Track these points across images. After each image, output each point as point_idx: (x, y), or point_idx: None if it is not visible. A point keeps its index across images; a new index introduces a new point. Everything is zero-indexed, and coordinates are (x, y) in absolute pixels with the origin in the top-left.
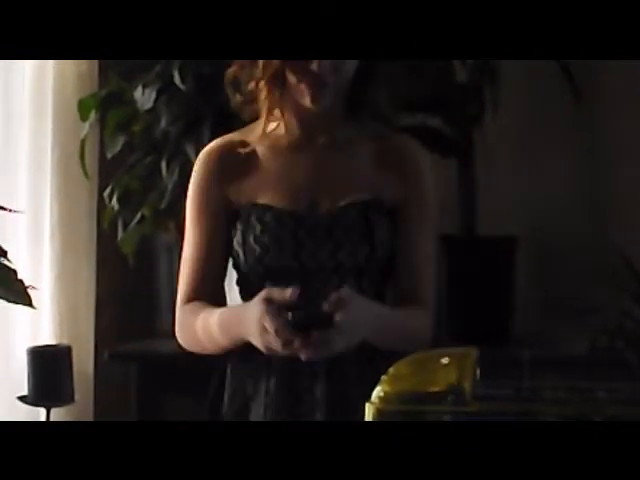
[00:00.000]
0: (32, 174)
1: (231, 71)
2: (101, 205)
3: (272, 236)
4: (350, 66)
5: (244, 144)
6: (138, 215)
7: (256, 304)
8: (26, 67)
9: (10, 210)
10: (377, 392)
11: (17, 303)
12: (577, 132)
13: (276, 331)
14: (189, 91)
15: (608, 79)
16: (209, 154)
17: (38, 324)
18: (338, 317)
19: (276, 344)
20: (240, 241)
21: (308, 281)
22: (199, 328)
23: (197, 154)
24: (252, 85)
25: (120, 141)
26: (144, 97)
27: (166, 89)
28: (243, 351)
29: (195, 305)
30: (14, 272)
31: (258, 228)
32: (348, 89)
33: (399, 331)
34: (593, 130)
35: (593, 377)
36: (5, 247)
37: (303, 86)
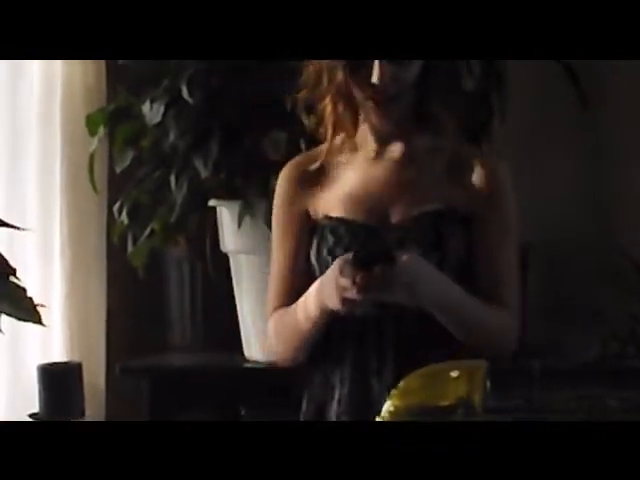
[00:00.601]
0: (41, 190)
1: (301, 95)
2: (111, 220)
3: (344, 248)
4: (409, 74)
5: (320, 160)
6: (148, 229)
7: (330, 269)
8: (34, 82)
9: (19, 228)
10: (387, 407)
11: (27, 321)
12: (581, 133)
13: (341, 272)
14: (197, 105)
15: (612, 81)
16: (289, 171)
17: (49, 341)
18: (400, 256)
19: (345, 287)
20: (315, 254)
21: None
22: (288, 322)
23: (206, 167)
24: (322, 104)
25: (129, 155)
26: (152, 111)
27: (174, 103)
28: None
29: (284, 309)
30: (23, 290)
31: (331, 241)
32: (414, 99)
33: (479, 323)
34: (597, 131)
35: (604, 385)
36: (14, 265)
37: (369, 104)
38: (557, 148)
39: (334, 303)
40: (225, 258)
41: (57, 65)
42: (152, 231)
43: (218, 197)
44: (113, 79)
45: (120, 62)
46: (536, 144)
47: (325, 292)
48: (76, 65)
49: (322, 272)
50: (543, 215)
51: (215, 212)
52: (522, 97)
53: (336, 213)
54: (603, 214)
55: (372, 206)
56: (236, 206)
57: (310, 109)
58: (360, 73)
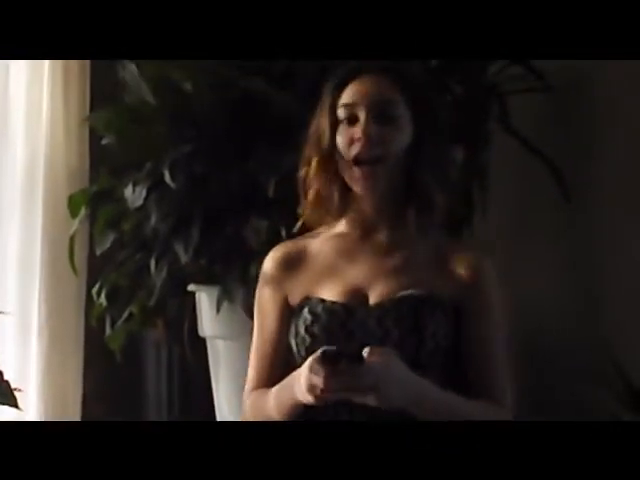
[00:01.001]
0: (21, 270)
1: (302, 173)
2: (89, 302)
3: (322, 326)
4: (396, 139)
5: (304, 246)
6: (126, 312)
7: (304, 365)
8: (16, 162)
9: None
10: None
11: (3, 404)
12: (567, 231)
13: (310, 369)
14: (179, 190)
15: (597, 176)
16: (271, 260)
17: None
18: (367, 354)
19: (314, 384)
20: (293, 333)
21: None
22: (261, 408)
23: (186, 253)
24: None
25: (110, 238)
26: (134, 195)
27: (156, 187)
28: None
29: (262, 391)
30: (0, 373)
31: (309, 319)
32: (404, 175)
33: (465, 419)
34: (584, 229)
35: None
36: None
37: (354, 169)
38: (542, 245)
39: (305, 398)
40: (203, 343)
41: (40, 145)
42: (130, 314)
43: (197, 282)
44: (96, 161)
45: (104, 142)
46: (520, 241)
47: (296, 386)
48: (59, 146)
49: (299, 351)
50: (525, 309)
51: (194, 297)
52: (506, 196)
53: (316, 294)
54: (587, 309)
55: (352, 288)
56: (215, 291)
57: (305, 190)
58: (344, 134)
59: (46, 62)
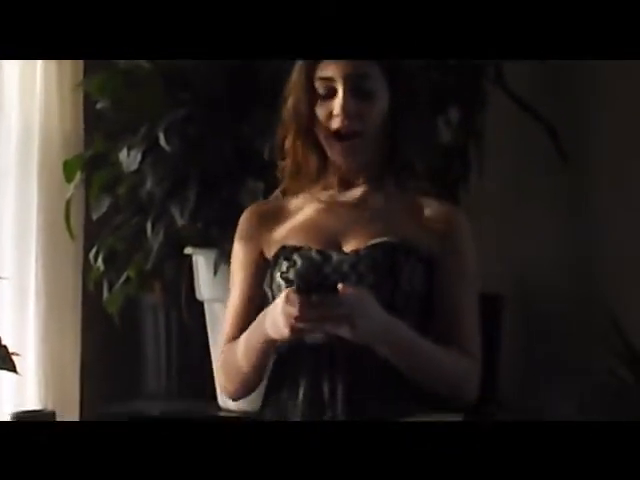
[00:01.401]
0: (17, 236)
1: (277, 137)
2: (86, 266)
3: (297, 271)
4: (374, 112)
5: (281, 204)
6: (123, 276)
7: (276, 300)
8: (11, 127)
9: None
10: None
11: (1, 369)
12: (564, 192)
13: (287, 299)
14: (174, 153)
15: (594, 140)
16: (249, 211)
17: (22, 388)
18: (341, 287)
19: (290, 314)
20: (268, 281)
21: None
22: (237, 354)
23: (182, 216)
24: (286, 142)
25: (105, 202)
26: (129, 159)
27: (151, 151)
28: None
29: (234, 342)
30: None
31: (285, 265)
32: (386, 145)
33: (435, 366)
34: (580, 190)
35: None
36: None
37: (333, 141)
38: (540, 207)
39: (280, 331)
40: (200, 306)
41: (34, 110)
42: (128, 278)
43: (194, 245)
44: (90, 126)
45: (98, 107)
46: (518, 203)
47: (268, 322)
48: (53, 112)
49: (275, 298)
50: (521, 271)
51: (191, 260)
52: (503, 157)
53: (291, 242)
54: (582, 270)
55: (327, 236)
56: (212, 254)
57: (282, 152)
58: (323, 108)
59: None
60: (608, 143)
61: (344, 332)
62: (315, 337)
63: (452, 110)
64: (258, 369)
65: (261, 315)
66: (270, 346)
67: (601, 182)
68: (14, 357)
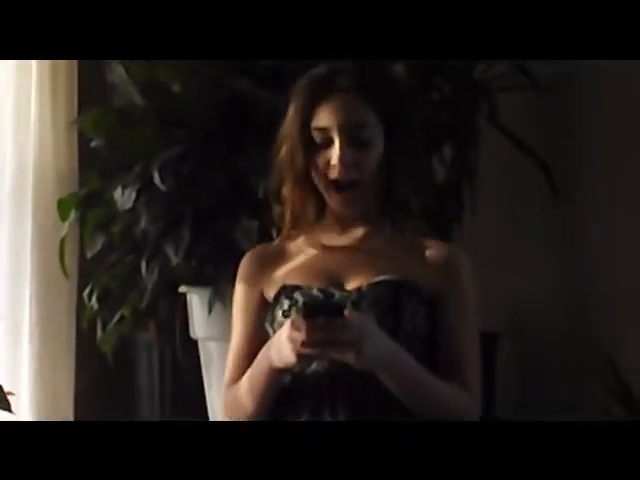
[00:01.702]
0: (11, 274)
1: (271, 183)
2: (80, 305)
3: (303, 298)
4: (371, 159)
5: (281, 246)
6: (118, 315)
7: (282, 329)
8: (5, 165)
9: None
10: None
11: None
12: (557, 227)
13: (292, 324)
14: (169, 191)
15: (586, 174)
16: (250, 255)
17: None
18: (347, 312)
19: (295, 339)
20: (270, 320)
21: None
22: (241, 393)
23: (177, 254)
24: (284, 191)
25: (100, 241)
26: (124, 197)
27: (146, 189)
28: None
29: (235, 385)
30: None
31: (286, 304)
32: (381, 186)
33: (436, 398)
34: (573, 225)
35: None
36: None
37: (331, 191)
38: (534, 244)
39: (286, 358)
40: (195, 344)
41: (29, 148)
42: (122, 317)
43: (188, 283)
44: (85, 164)
45: (92, 145)
46: (512, 240)
47: (273, 351)
48: (48, 149)
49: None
50: (515, 307)
51: (185, 298)
52: (497, 194)
53: (292, 282)
54: (577, 307)
55: (328, 275)
56: (206, 293)
57: (278, 198)
58: (320, 158)
59: (34, 65)
60: (600, 177)
61: (350, 358)
62: (316, 367)
63: (446, 148)
64: (263, 405)
65: (264, 349)
66: (275, 377)
67: (594, 217)
68: (9, 397)
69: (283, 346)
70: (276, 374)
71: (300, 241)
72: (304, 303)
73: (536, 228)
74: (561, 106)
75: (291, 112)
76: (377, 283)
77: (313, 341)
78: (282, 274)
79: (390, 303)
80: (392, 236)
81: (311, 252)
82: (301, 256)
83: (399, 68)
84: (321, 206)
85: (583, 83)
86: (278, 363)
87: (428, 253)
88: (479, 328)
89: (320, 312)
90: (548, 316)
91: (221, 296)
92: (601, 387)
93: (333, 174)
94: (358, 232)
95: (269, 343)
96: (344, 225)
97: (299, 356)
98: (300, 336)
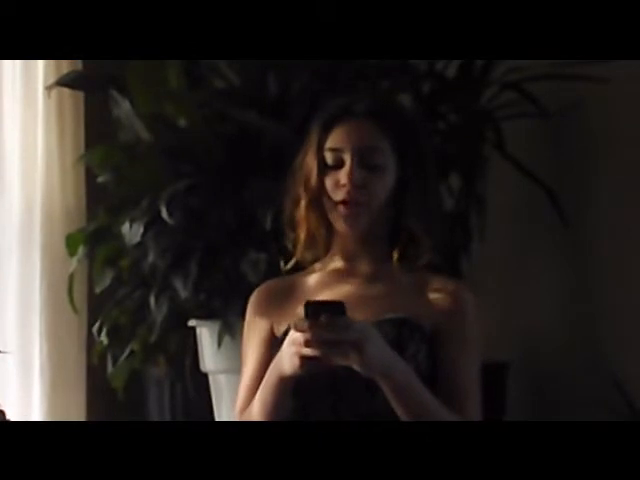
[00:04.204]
0: (21, 311)
1: (289, 207)
2: (90, 340)
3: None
4: (381, 185)
5: (292, 281)
6: (127, 349)
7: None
8: (13, 202)
9: None
10: None
11: None
12: (567, 257)
13: (295, 327)
14: (176, 225)
15: (595, 201)
16: (258, 292)
17: None
18: (350, 314)
19: (299, 341)
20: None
21: (340, 389)
22: (255, 413)
23: (185, 288)
24: (297, 214)
25: (108, 276)
26: (132, 232)
27: (154, 223)
28: None
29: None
30: (2, 413)
31: None
32: (387, 221)
33: (435, 418)
34: (584, 254)
35: None
36: None
37: (339, 208)
38: (543, 272)
39: (291, 362)
40: (205, 378)
41: (36, 185)
42: (132, 351)
43: (198, 317)
44: (92, 200)
45: (99, 180)
46: (522, 269)
47: (278, 362)
48: (55, 186)
49: None
50: (525, 336)
51: (195, 332)
52: (505, 223)
53: None
54: (588, 335)
55: None
56: (216, 326)
57: (292, 223)
58: (330, 178)
59: (40, 102)
60: (607, 204)
61: (353, 361)
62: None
63: (453, 177)
64: (277, 418)
65: (271, 365)
66: (284, 386)
67: (603, 245)
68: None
69: (288, 351)
70: (285, 383)
71: (309, 275)
72: (306, 303)
73: (545, 255)
74: (568, 133)
75: (308, 138)
76: (381, 322)
77: (316, 340)
78: (291, 312)
79: (393, 342)
80: (399, 271)
81: (319, 287)
82: (309, 291)
83: (404, 97)
84: (330, 234)
85: (590, 108)
86: (285, 370)
87: (433, 290)
88: (489, 358)
89: (322, 311)
90: (558, 344)
91: (230, 329)
92: (614, 415)
93: (341, 194)
94: (364, 264)
95: (276, 359)
96: (351, 255)
97: (303, 358)
98: (303, 336)
